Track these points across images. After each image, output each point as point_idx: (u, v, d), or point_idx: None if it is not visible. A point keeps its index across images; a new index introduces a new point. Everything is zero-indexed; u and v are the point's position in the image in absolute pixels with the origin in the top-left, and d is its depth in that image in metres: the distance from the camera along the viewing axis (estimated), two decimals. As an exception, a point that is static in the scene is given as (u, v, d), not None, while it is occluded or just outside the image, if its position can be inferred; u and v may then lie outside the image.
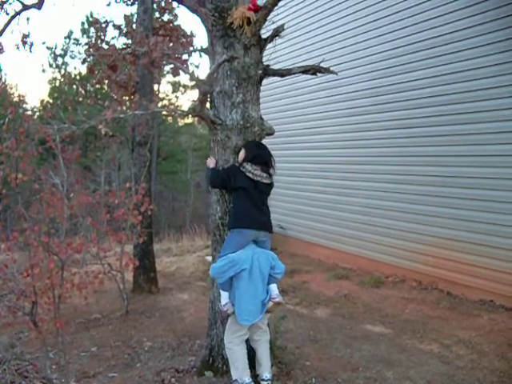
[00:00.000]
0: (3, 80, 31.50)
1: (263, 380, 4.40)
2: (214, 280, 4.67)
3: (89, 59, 9.69)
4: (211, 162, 4.61)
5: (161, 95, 30.61)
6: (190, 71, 7.17)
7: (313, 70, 4.83)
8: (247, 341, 4.45)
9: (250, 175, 4.31)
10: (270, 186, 4.51)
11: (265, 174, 4.38)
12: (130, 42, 9.20)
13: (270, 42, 4.70)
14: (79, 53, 26.66)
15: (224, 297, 4.39)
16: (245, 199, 4.33)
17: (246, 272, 4.22)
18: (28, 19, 6.12)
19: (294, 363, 4.89)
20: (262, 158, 4.42)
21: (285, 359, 4.87)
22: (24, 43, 6.39)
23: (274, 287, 4.42)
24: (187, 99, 40.18)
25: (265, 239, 4.46)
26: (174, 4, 9.89)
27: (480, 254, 6.74)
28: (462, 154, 7.03)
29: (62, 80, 30.71)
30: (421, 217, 7.63)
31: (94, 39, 9.47)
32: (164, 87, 36.17)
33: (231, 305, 4.36)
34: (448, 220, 7.20)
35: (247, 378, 4.28)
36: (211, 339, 4.79)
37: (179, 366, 5.04)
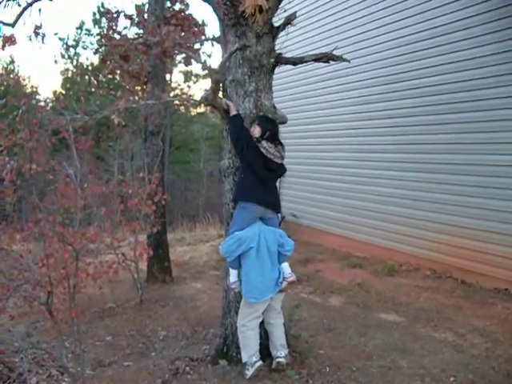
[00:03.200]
0: (16, 72, 31.70)
1: (278, 357, 4.44)
2: (227, 269, 4.69)
3: (101, 49, 9.68)
4: (232, 109, 4.53)
5: (173, 85, 30.58)
6: (202, 60, 7.14)
7: (325, 58, 4.80)
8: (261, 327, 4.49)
9: (264, 151, 4.30)
10: (282, 166, 4.50)
11: (278, 154, 4.36)
12: (141, 31, 9.18)
13: (282, 30, 4.68)
14: (91, 43, 26.74)
15: (233, 275, 4.46)
16: (251, 174, 4.33)
17: (253, 250, 4.26)
18: (40, 10, 6.08)
19: (308, 352, 4.90)
20: (274, 134, 4.41)
21: (299, 348, 4.88)
22: (36, 34, 6.39)
23: (286, 266, 4.46)
24: (199, 88, 40.17)
25: (272, 216, 4.47)
26: (186, -7, 9.84)
27: (494, 242, 6.69)
28: (474, 141, 6.98)
29: (75, 71, 30.77)
30: (435, 205, 7.58)
31: (105, 29, 9.44)
32: (176, 77, 36.12)
33: (239, 283, 4.40)
34: (462, 208, 7.15)
35: (255, 357, 4.34)
36: (225, 328, 4.81)
37: (193, 354, 5.06)
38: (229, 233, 4.43)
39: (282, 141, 4.51)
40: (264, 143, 4.31)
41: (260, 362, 4.33)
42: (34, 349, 5.05)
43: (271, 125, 4.46)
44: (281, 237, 4.43)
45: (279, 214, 4.68)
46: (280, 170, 4.51)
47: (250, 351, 4.34)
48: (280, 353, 4.45)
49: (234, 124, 4.45)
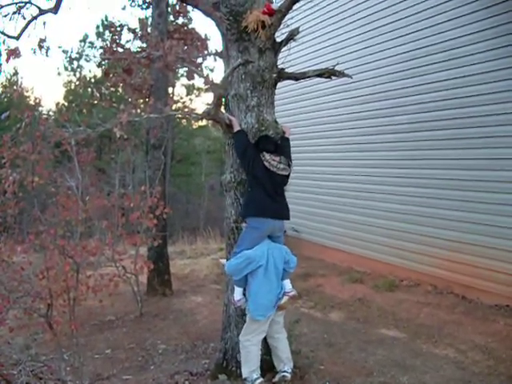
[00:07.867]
0: (19, 83, 31.84)
1: (285, 371, 4.42)
2: (229, 284, 4.68)
3: (104, 63, 9.77)
4: (235, 124, 4.53)
5: (175, 98, 30.67)
6: (205, 75, 7.18)
7: (327, 74, 4.82)
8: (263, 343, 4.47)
9: (267, 164, 4.30)
10: (287, 178, 4.49)
11: (282, 166, 4.35)
12: (144, 45, 9.26)
13: (284, 46, 4.70)
14: (94, 56, 26.89)
15: (238, 292, 4.43)
16: (258, 187, 4.32)
17: (262, 268, 4.25)
18: (44, 23, 6.12)
19: (308, 367, 4.87)
20: (269, 143, 4.39)
21: (299, 363, 4.84)
22: (41, 47, 6.41)
23: (287, 282, 4.46)
24: (201, 102, 40.27)
25: (279, 234, 4.47)
26: (189, 8, 9.92)
27: (496, 258, 6.66)
28: (476, 157, 6.96)
29: (78, 83, 30.95)
30: (436, 220, 7.56)
31: (109, 43, 9.53)
32: (178, 90, 36.27)
33: (244, 300, 4.39)
34: (463, 224, 7.13)
35: (255, 374, 4.31)
36: (225, 342, 4.79)
37: (193, 368, 5.04)
38: (236, 251, 4.37)
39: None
40: (267, 156, 4.31)
41: (261, 380, 4.29)
42: (33, 361, 5.05)
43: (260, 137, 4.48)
44: (287, 254, 4.43)
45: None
46: (285, 180, 4.50)
47: (251, 367, 4.32)
48: (287, 367, 4.44)
49: (238, 139, 4.46)
